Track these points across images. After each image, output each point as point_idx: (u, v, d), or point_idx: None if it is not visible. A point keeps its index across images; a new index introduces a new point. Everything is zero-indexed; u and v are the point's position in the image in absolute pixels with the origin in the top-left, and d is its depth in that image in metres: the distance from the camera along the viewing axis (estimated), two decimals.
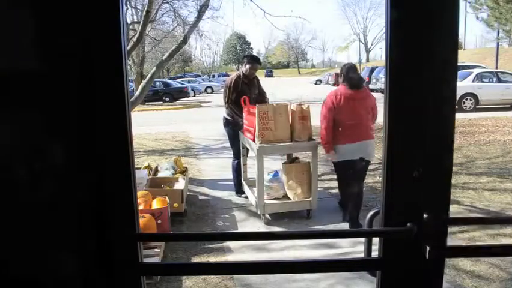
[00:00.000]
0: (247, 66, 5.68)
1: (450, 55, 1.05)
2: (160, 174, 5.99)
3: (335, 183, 5.83)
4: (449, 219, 1.11)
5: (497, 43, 23.92)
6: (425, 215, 1.07)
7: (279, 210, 4.97)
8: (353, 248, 3.93)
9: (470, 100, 14.61)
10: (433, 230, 1.09)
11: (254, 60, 5.82)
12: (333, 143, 4.60)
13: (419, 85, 1.06)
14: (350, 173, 4.69)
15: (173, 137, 11.18)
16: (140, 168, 5.96)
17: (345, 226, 4.75)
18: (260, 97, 5.74)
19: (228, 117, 5.76)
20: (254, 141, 4.89)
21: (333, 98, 4.61)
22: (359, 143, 4.56)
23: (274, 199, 5.04)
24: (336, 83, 28.61)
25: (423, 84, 1.05)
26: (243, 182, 5.79)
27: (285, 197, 5.06)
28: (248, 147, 5.43)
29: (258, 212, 4.94)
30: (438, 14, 1.03)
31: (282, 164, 5.27)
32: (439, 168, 1.08)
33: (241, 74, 5.72)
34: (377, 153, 8.15)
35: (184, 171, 6.20)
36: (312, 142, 4.93)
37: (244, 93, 5.52)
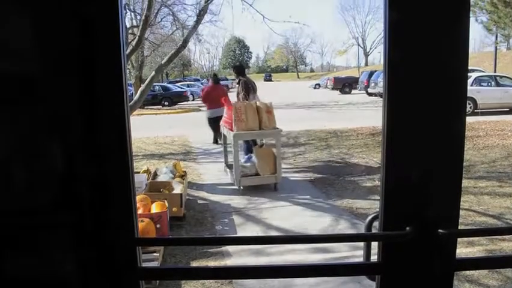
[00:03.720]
0: None
1: (453, 56, 1.05)
2: (159, 178, 5.99)
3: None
4: (459, 231, 1.10)
5: (496, 47, 23.96)
6: (433, 228, 1.07)
7: (251, 183, 6.40)
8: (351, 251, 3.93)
9: (469, 104, 14.61)
10: (442, 243, 1.09)
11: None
12: (208, 108, 9.88)
13: (418, 87, 1.06)
14: (214, 120, 9.22)
15: (173, 141, 11.18)
16: (139, 172, 5.95)
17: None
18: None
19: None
20: (232, 130, 6.39)
21: (206, 87, 10.68)
22: (218, 109, 8.68)
23: (248, 176, 6.38)
24: (334, 88, 28.72)
25: (422, 86, 1.06)
26: (225, 165, 7.41)
27: (257, 174, 6.40)
28: (227, 135, 6.95)
29: (236, 186, 6.35)
30: (439, 14, 1.03)
31: (254, 148, 6.88)
32: (448, 178, 1.08)
33: None
34: (375, 156, 8.19)
35: (183, 175, 6.19)
36: (276, 130, 6.46)
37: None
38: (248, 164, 6.51)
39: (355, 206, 5.58)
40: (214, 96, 9.49)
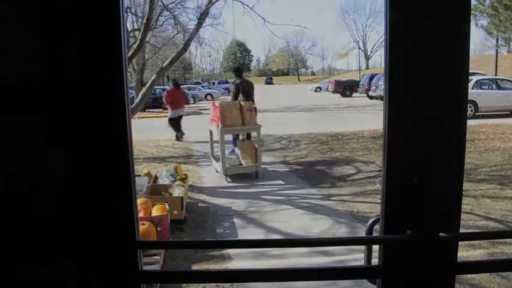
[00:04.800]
0: None
1: (455, 58, 1.05)
2: (160, 182, 5.98)
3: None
4: (460, 235, 1.10)
5: (496, 50, 23.93)
6: (434, 231, 1.07)
7: (236, 172, 7.43)
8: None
9: (470, 107, 14.59)
10: (443, 246, 1.09)
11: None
12: (170, 109, 11.36)
13: (418, 91, 1.06)
14: (176, 119, 11.47)
15: (174, 144, 11.18)
16: (140, 176, 5.95)
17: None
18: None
19: None
20: (218, 126, 7.38)
21: (167, 91, 11.84)
22: (178, 110, 11.46)
23: (233, 166, 7.45)
24: (334, 91, 28.71)
25: (423, 89, 1.06)
26: (211, 157, 8.41)
27: (240, 164, 7.50)
28: (214, 131, 7.95)
29: (222, 174, 7.29)
30: (440, 18, 1.03)
31: (238, 142, 8.08)
32: (449, 181, 1.08)
33: None
34: (376, 160, 8.18)
35: (184, 179, 6.19)
36: (256, 125, 7.50)
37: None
38: (232, 156, 7.63)
39: (356, 209, 5.58)
40: (175, 99, 11.46)
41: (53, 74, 1.06)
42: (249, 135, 8.31)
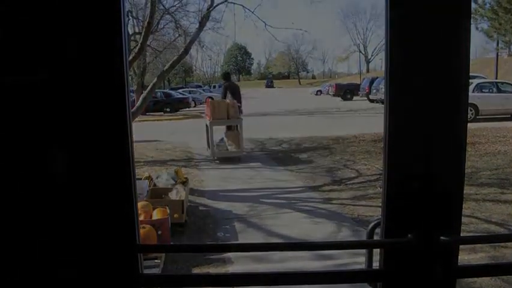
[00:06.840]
0: None
1: (457, 61, 1.05)
2: (160, 185, 5.98)
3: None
4: (461, 238, 1.10)
5: (497, 53, 23.98)
6: (435, 235, 1.07)
7: (223, 156, 9.34)
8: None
9: (470, 110, 14.58)
10: (444, 250, 1.08)
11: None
12: None
13: (419, 94, 1.06)
14: None
15: (174, 148, 11.18)
16: (140, 179, 5.95)
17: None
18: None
19: None
20: (209, 119, 9.21)
21: None
22: None
23: (221, 151, 9.40)
24: (335, 94, 28.74)
25: (424, 93, 1.06)
26: (206, 145, 9.89)
27: (227, 149, 9.43)
28: (207, 124, 9.56)
29: (212, 158, 9.37)
30: (440, 22, 1.04)
31: (225, 132, 9.75)
32: (449, 184, 1.08)
33: None
34: (377, 163, 8.18)
35: (184, 182, 6.19)
36: (239, 119, 9.42)
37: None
38: (221, 143, 9.54)
39: (357, 212, 5.57)
40: None
41: (54, 77, 1.06)
42: (237, 127, 9.85)
